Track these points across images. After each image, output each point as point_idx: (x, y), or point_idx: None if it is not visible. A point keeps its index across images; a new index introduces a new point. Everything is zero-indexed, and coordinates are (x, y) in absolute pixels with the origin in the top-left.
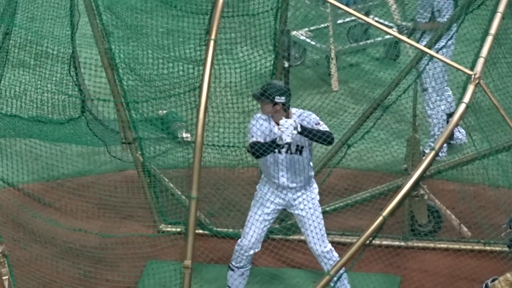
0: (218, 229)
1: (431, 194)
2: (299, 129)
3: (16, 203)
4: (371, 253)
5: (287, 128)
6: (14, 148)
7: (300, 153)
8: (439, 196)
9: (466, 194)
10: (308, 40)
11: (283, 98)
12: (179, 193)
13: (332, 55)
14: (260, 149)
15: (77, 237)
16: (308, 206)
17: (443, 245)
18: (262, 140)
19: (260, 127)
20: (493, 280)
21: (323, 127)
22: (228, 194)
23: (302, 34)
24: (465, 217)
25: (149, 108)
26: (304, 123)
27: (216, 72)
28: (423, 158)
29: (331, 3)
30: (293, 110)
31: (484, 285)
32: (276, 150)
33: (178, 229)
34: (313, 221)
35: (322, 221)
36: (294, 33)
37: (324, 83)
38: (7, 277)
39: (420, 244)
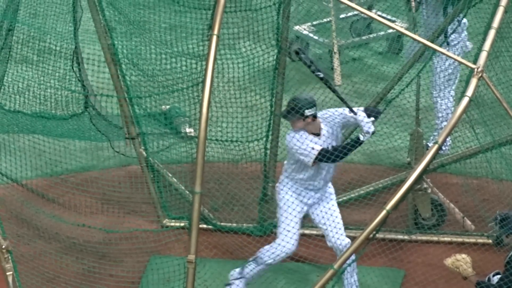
0: (222, 223)
1: (435, 188)
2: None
3: (19, 199)
4: (374, 247)
5: (367, 122)
6: (17, 144)
7: None
8: (442, 190)
9: (470, 188)
10: (311, 35)
11: (312, 110)
12: (183, 188)
13: (335, 49)
14: (341, 152)
15: (81, 233)
16: (330, 201)
17: (446, 239)
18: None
19: (308, 137)
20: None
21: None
22: (232, 189)
23: (304, 29)
24: (469, 211)
25: (152, 103)
26: (336, 119)
27: (219, 67)
28: (426, 151)
29: None
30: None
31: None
32: None
33: (182, 224)
34: (336, 217)
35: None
36: (296, 27)
37: (327, 77)
38: (11, 272)
39: (424, 238)
